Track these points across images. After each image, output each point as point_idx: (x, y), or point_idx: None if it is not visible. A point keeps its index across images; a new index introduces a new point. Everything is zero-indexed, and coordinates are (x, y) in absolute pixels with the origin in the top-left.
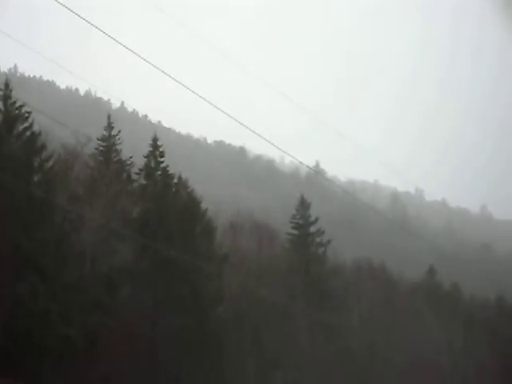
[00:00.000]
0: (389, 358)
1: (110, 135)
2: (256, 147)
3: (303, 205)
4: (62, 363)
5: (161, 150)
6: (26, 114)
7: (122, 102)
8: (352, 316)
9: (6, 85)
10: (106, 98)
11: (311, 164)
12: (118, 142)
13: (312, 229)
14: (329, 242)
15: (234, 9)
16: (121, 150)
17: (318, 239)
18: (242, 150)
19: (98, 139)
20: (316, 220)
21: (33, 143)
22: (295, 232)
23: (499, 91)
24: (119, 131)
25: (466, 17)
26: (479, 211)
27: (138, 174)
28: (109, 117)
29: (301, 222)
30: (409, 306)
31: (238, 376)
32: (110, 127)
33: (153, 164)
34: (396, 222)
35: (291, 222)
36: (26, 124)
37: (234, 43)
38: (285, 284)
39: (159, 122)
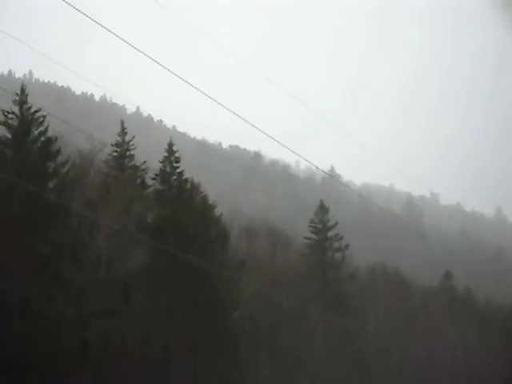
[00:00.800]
0: (404, 361)
1: (123, 141)
2: (271, 152)
3: (322, 209)
4: (76, 367)
5: (176, 155)
6: (41, 119)
7: (138, 107)
8: (367, 320)
9: (22, 90)
10: (121, 104)
11: (326, 169)
12: (132, 147)
13: (330, 233)
14: (347, 246)
15: (243, 13)
16: (134, 156)
17: (335, 244)
18: (257, 155)
19: (112, 145)
20: (335, 224)
21: (48, 148)
22: (314, 236)
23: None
24: (133, 137)
25: (467, 17)
26: (494, 215)
27: (153, 179)
28: (122, 122)
29: (319, 226)
30: (423, 309)
31: (253, 380)
32: (123, 133)
33: (168, 169)
34: (411, 227)
35: (310, 227)
36: (42, 128)
37: (248, 48)
38: (301, 288)
39: (174, 126)
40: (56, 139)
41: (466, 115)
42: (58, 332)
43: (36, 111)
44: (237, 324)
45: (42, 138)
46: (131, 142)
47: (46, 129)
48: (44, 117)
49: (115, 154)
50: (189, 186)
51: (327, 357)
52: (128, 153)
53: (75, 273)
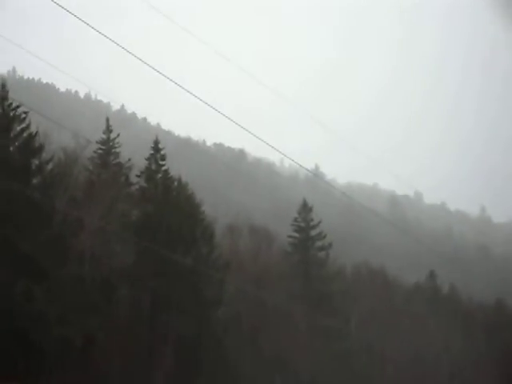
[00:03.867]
0: (388, 360)
1: (108, 138)
2: (255, 150)
3: (305, 208)
4: (58, 364)
5: (162, 152)
6: (24, 115)
7: (122, 105)
8: (351, 319)
9: (3, 85)
10: (105, 101)
11: (310, 167)
12: (117, 145)
13: (313, 232)
14: (330, 245)
15: (230, 10)
16: (119, 153)
17: (319, 243)
18: (241, 153)
19: (97, 142)
20: (318, 223)
21: (30, 144)
22: (297, 235)
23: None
24: (118, 134)
25: (458, 18)
26: (478, 214)
27: (138, 176)
28: (107, 120)
29: (302, 225)
30: (408, 308)
31: (236, 378)
32: (108, 130)
33: (154, 167)
34: (395, 225)
35: (293, 225)
36: (24, 125)
37: (231, 44)
38: (284, 287)
39: (158, 124)
40: (37, 134)
41: (452, 115)
42: (39, 329)
43: (17, 107)
44: (220, 322)
45: (25, 134)
46: (116, 140)
47: (28, 125)
48: (26, 113)
49: (100, 151)
50: (176, 184)
51: (310, 355)
52: (113, 150)
53: (58, 270)
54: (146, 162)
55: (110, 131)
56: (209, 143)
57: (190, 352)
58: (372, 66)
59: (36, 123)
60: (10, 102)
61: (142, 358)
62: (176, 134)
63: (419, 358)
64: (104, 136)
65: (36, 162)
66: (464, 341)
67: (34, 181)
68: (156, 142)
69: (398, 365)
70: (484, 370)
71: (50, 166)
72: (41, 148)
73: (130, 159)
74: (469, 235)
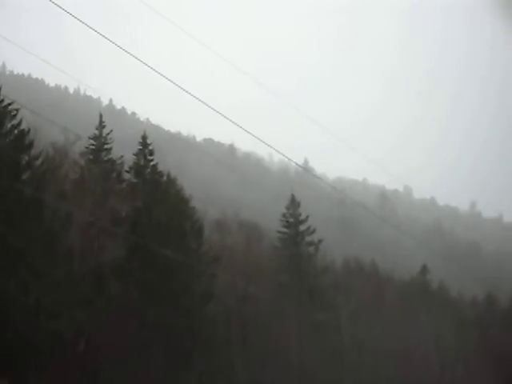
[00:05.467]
0: (378, 356)
1: (101, 134)
2: (245, 145)
3: (293, 203)
4: (50, 359)
5: (150, 147)
6: (15, 112)
7: (111, 100)
8: (341, 314)
9: None
10: (95, 96)
11: (300, 162)
12: (110, 140)
13: (302, 227)
14: (320, 241)
15: (223, 4)
16: (111, 149)
17: (308, 238)
18: (231, 148)
19: (90, 138)
20: (306, 218)
21: (21, 141)
22: (285, 230)
23: (489, 89)
24: (111, 130)
25: (457, 16)
26: (468, 209)
27: (127, 171)
28: (100, 116)
29: (291, 220)
30: (398, 304)
31: (227, 372)
32: (101, 126)
33: (142, 162)
34: (385, 220)
35: (281, 221)
36: (15, 121)
37: (221, 39)
38: (274, 282)
39: (147, 119)
40: (29, 131)
41: (448, 114)
42: (30, 324)
43: (9, 104)
44: (210, 317)
45: (15, 131)
46: (109, 136)
47: (20, 122)
48: (17, 110)
49: (92, 146)
50: (165, 179)
51: (301, 349)
52: (105, 146)
53: (48, 265)
54: (135, 158)
55: (103, 127)
56: (198, 138)
57: (180, 346)
58: (367, 63)
59: (26, 118)
60: (1, 98)
61: (133, 353)
62: (166, 128)
63: (410, 352)
64: (96, 132)
65: (26, 157)
66: (455, 336)
67: (24, 176)
68: (144, 137)
69: (388, 359)
70: (474, 365)
71: (39, 161)
72: (31, 144)
73: (122, 156)
74: (459, 230)
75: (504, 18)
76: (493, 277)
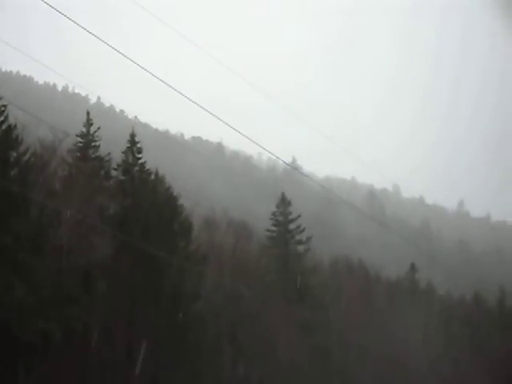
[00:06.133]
0: (366, 355)
1: (88, 132)
2: (233, 143)
3: (283, 202)
4: (37, 357)
5: (138, 145)
6: (2, 108)
7: (99, 98)
8: (329, 313)
9: None
10: (83, 94)
11: (288, 161)
12: (97, 138)
13: (292, 226)
14: (309, 239)
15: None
16: (99, 147)
17: (297, 236)
18: (219, 146)
19: (77, 135)
20: (297, 217)
21: (9, 137)
22: (275, 229)
23: (484, 92)
24: (98, 128)
25: (451, 19)
26: (456, 208)
27: (115, 169)
28: (88, 113)
29: (281, 219)
30: (386, 303)
31: (214, 372)
32: (88, 124)
33: (130, 160)
34: (373, 219)
35: (271, 219)
36: (2, 118)
37: (208, 35)
38: (262, 281)
39: (136, 117)
40: (16, 127)
41: (447, 114)
42: (17, 322)
43: None
44: (198, 315)
45: (3, 127)
46: (96, 134)
47: (6, 117)
48: (4, 106)
49: (80, 144)
50: (153, 177)
51: (289, 348)
52: (93, 144)
53: (36, 262)
54: (123, 155)
55: (91, 124)
56: (187, 136)
57: (167, 345)
58: (363, 63)
59: (14, 116)
60: None
61: (120, 351)
62: (154, 127)
63: (398, 351)
64: (84, 129)
65: (14, 154)
66: (442, 335)
67: (12, 173)
68: (132, 135)
69: (377, 358)
70: (462, 363)
71: (26, 158)
72: (19, 140)
73: (109, 153)
74: (447, 229)
75: (503, 18)
76: (481, 276)
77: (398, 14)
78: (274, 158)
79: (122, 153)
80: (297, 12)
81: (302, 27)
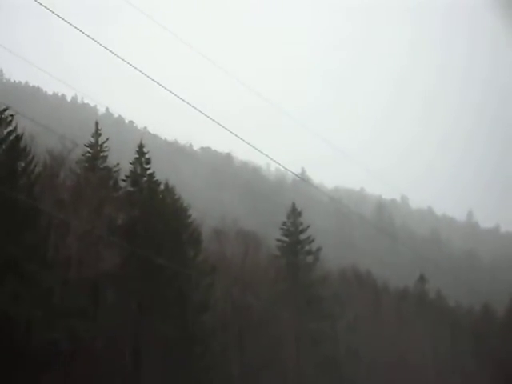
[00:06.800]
0: (374, 365)
1: (97, 142)
2: (242, 154)
3: (294, 212)
4: (45, 369)
5: (147, 156)
6: (10, 118)
7: (107, 108)
8: (338, 324)
9: None
10: (92, 104)
11: (297, 171)
12: (106, 148)
13: (302, 236)
14: (319, 249)
15: (225, 16)
16: (107, 157)
17: (307, 247)
18: (228, 157)
19: (86, 146)
20: (307, 227)
21: (17, 147)
22: (285, 239)
23: (489, 99)
24: (107, 138)
25: (457, 22)
26: (465, 219)
27: (124, 180)
28: (96, 124)
29: (292, 229)
30: (395, 313)
31: (222, 382)
32: (97, 134)
33: (139, 170)
34: (382, 230)
35: (281, 229)
36: (10, 128)
37: (217, 49)
38: (271, 291)
39: (145, 128)
40: (22, 136)
41: (454, 124)
42: (25, 333)
43: (4, 110)
44: (207, 326)
45: (11, 137)
46: (105, 144)
47: (15, 128)
48: (12, 116)
49: (88, 154)
50: (162, 187)
51: (297, 359)
52: (101, 154)
53: (44, 273)
54: (131, 166)
55: (99, 135)
56: (196, 147)
57: (176, 356)
58: (370, 72)
59: (23, 126)
60: None
61: (128, 362)
62: (163, 137)
63: (406, 362)
64: (92, 139)
65: (22, 164)
66: (451, 346)
67: (20, 183)
68: (140, 146)
69: (385, 369)
70: (470, 374)
71: (35, 168)
72: (28, 151)
73: (118, 163)
74: (456, 240)
75: (504, 18)
76: (489, 287)
77: (403, 13)
78: (283, 168)
79: (131, 163)
80: (304, 16)
81: (310, 33)
